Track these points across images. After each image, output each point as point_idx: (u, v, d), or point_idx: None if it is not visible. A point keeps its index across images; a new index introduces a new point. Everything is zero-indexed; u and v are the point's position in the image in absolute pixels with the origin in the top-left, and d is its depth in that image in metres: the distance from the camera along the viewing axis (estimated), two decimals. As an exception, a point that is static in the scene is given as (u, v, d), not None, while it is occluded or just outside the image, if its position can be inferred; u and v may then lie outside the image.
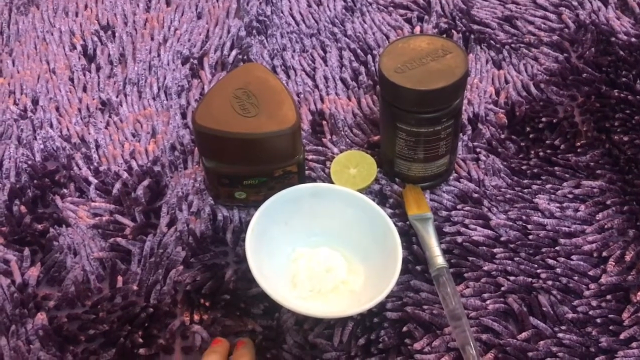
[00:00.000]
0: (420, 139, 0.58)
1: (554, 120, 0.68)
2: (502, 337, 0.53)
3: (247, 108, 0.56)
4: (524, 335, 0.53)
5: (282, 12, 0.82)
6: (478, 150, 0.66)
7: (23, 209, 0.62)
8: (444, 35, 0.78)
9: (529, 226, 0.59)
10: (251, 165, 0.57)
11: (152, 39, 0.79)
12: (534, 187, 0.63)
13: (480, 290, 0.56)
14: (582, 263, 0.57)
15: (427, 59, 0.56)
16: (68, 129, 0.70)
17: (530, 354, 0.52)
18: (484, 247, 0.58)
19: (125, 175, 0.65)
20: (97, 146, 0.68)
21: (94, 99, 0.73)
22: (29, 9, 0.84)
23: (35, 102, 0.73)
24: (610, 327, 0.53)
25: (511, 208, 0.61)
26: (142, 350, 0.53)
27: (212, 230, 0.60)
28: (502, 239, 0.58)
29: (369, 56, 0.76)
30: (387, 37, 0.78)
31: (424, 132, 0.57)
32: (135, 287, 0.57)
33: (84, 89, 0.74)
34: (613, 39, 0.75)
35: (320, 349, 0.53)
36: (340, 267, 0.56)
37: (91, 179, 0.65)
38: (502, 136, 0.67)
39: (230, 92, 0.57)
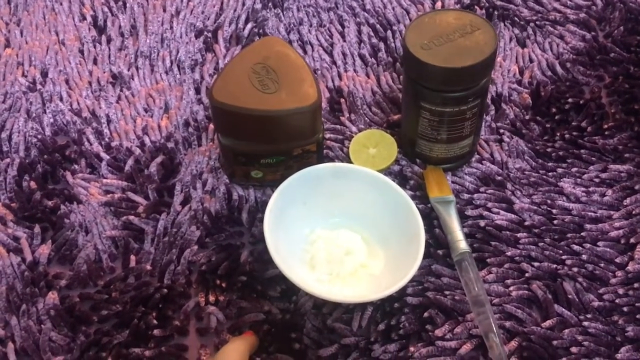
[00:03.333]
0: (445, 118, 0.56)
1: (581, 102, 0.66)
2: (526, 324, 0.51)
3: (267, 84, 0.54)
4: (548, 323, 0.51)
5: (298, -15, 0.79)
6: (501, 131, 0.64)
7: (33, 184, 0.61)
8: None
9: (554, 211, 0.57)
10: (269, 143, 0.56)
11: (165, 10, 0.76)
12: (559, 170, 0.61)
13: (503, 276, 0.54)
14: (608, 249, 0.55)
15: (454, 35, 0.54)
16: (78, 103, 0.68)
17: (554, 342, 0.50)
18: (508, 232, 0.56)
19: (137, 151, 0.63)
20: (109, 121, 0.66)
21: (104, 72, 0.70)
22: (36, -22, 0.81)
23: (44, 74, 0.71)
24: (637, 316, 0.52)
25: (535, 192, 0.59)
26: (156, 332, 0.52)
27: (228, 210, 0.59)
28: (526, 223, 0.57)
29: (389, 32, 0.73)
30: (408, 12, 0.75)
31: (449, 111, 0.55)
32: (148, 267, 0.55)
33: (95, 62, 0.72)
34: (642, 17, 0.73)
35: (339, 334, 0.52)
36: (360, 250, 0.54)
37: (103, 154, 0.63)
38: (527, 117, 0.65)
39: (249, 67, 0.55)
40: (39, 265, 0.56)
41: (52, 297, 0.53)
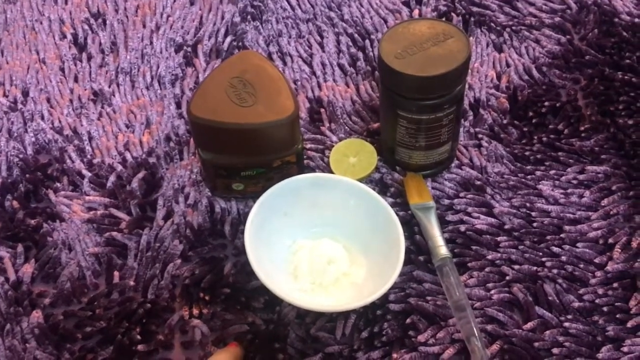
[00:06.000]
0: (422, 126, 0.56)
1: (557, 104, 0.66)
2: (508, 327, 0.52)
3: (244, 97, 0.54)
4: (529, 325, 0.52)
5: (277, -3, 0.80)
6: (480, 136, 0.65)
7: (15, 204, 0.61)
8: (444, 19, 0.76)
9: (533, 213, 0.58)
10: (249, 156, 0.56)
11: (144, 26, 0.77)
12: (538, 173, 0.61)
13: (484, 280, 0.55)
14: (587, 250, 0.56)
15: (428, 44, 0.54)
16: (60, 121, 0.68)
17: (536, 344, 0.51)
18: (488, 236, 0.57)
19: (119, 167, 0.63)
20: (90, 138, 0.66)
21: (85, 90, 0.71)
22: (16, -3, 0.81)
23: (25, 93, 0.71)
24: (617, 316, 0.52)
25: (515, 195, 0.60)
26: (140, 347, 0.52)
27: (210, 223, 0.59)
28: (506, 227, 0.57)
29: (367, 41, 0.74)
30: (385, 21, 0.76)
31: (426, 119, 0.56)
32: (132, 283, 0.55)
33: (75, 79, 0.72)
34: (616, 19, 0.74)
35: (322, 343, 0.52)
36: (342, 258, 0.54)
37: (85, 172, 0.63)
38: (505, 121, 0.66)
39: (226, 81, 0.55)
40: (22, 284, 0.56)
41: (36, 315, 0.53)
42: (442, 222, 0.58)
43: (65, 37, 0.76)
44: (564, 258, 0.55)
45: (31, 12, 0.79)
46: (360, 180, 0.60)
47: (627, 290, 0.53)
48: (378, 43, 0.55)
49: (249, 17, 0.78)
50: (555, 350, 0.50)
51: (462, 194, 0.60)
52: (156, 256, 0.57)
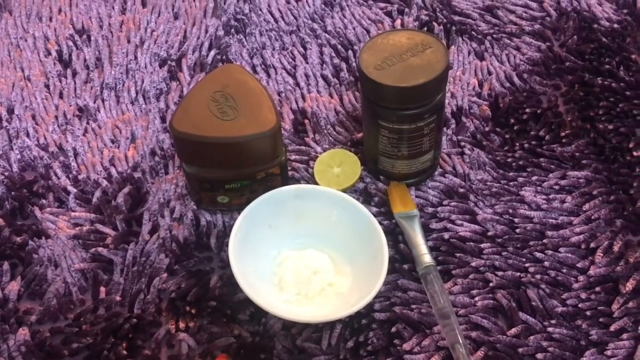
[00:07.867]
0: (403, 135, 0.57)
1: (538, 111, 0.67)
2: (492, 333, 0.52)
3: (226, 111, 0.55)
4: (513, 331, 0.52)
5: (260, 10, 0.81)
6: (462, 144, 0.65)
7: (1, 221, 0.61)
8: (425, 28, 0.77)
9: (516, 220, 0.59)
10: (232, 169, 0.56)
11: (129, 41, 0.77)
12: (520, 179, 0.62)
13: (468, 287, 0.55)
14: (570, 255, 0.56)
15: (407, 55, 0.55)
16: (45, 138, 0.68)
17: (520, 349, 0.51)
18: (471, 243, 0.57)
19: (105, 183, 0.63)
20: (76, 154, 0.66)
21: (70, 106, 0.71)
22: (1, 15, 0.82)
23: (10, 111, 0.71)
24: (600, 320, 0.53)
25: (497, 202, 0.60)
26: (127, 362, 0.52)
27: (196, 236, 0.59)
28: (489, 233, 0.58)
29: (350, 52, 0.75)
30: (368, 32, 0.77)
31: (407, 128, 0.56)
32: (118, 298, 0.56)
33: (60, 96, 0.72)
34: (595, 25, 0.75)
35: (309, 353, 0.52)
36: (327, 269, 0.55)
37: (70, 188, 0.63)
38: (487, 129, 0.67)
39: (208, 95, 0.56)
40: (8, 301, 0.56)
41: (23, 333, 0.53)
42: (426, 230, 0.58)
43: (50, 53, 0.77)
44: (546, 263, 0.56)
45: (16, 30, 0.80)
46: (345, 190, 0.60)
47: (609, 294, 0.54)
48: (358, 54, 0.56)
49: (232, 30, 0.78)
50: (539, 356, 0.51)
51: (445, 202, 0.60)
52: (142, 271, 0.57)
